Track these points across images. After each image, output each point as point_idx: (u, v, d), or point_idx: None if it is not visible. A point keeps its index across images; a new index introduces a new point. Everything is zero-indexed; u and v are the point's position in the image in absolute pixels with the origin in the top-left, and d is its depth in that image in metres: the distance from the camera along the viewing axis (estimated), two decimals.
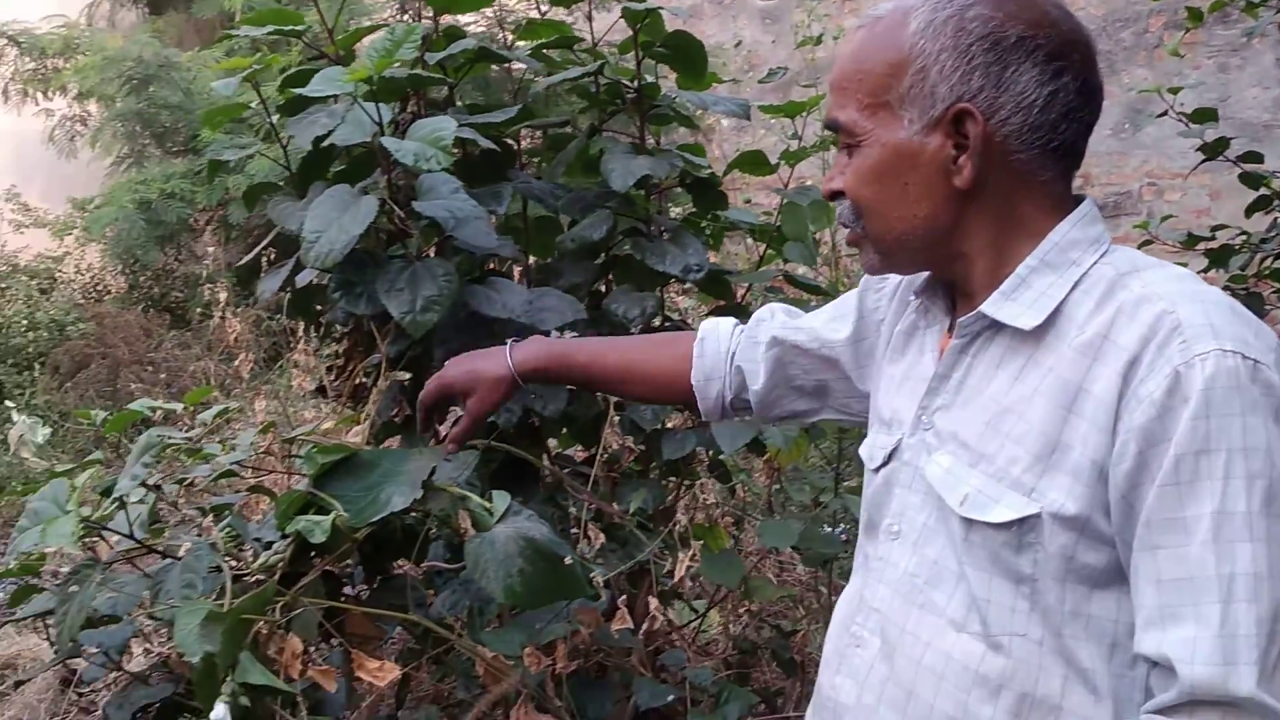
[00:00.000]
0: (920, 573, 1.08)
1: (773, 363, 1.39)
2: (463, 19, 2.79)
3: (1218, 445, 0.88)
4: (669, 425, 2.07)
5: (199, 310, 7.85)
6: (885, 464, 1.16)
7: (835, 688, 1.15)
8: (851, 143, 1.07)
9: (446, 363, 1.60)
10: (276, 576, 1.59)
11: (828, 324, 1.36)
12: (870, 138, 1.05)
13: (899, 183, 1.04)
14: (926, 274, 1.16)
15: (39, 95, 9.25)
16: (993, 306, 1.02)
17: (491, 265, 2.06)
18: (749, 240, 3.04)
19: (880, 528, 1.15)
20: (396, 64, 1.78)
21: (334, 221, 1.71)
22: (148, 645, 2.31)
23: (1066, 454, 0.96)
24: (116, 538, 1.69)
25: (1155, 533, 0.91)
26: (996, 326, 1.03)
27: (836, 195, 1.11)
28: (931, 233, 1.05)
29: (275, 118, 1.94)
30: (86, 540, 1.61)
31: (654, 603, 1.79)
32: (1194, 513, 0.89)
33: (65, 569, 1.75)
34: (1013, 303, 1.01)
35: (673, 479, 2.10)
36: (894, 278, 1.26)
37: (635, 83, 2.03)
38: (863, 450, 1.24)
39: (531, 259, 2.18)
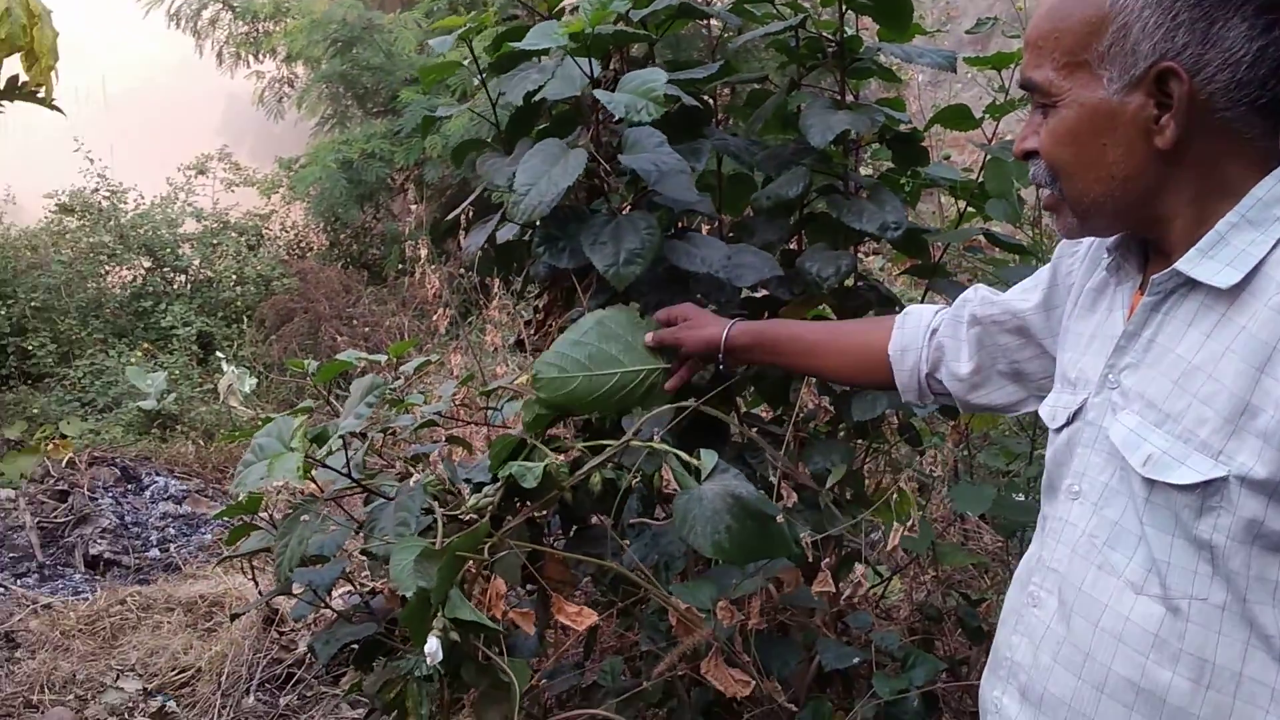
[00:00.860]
0: (1100, 533, 1.06)
1: (974, 343, 1.39)
2: None
3: None
4: None
5: (397, 267, 8.16)
6: (1068, 424, 1.15)
7: (1011, 646, 1.15)
8: (1047, 103, 1.05)
9: (685, 305, 1.76)
10: (487, 517, 1.64)
11: (1020, 295, 1.36)
12: (1067, 98, 1.03)
13: (1097, 144, 1.02)
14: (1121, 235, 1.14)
15: (250, 58, 9.77)
16: (1188, 264, 0.99)
17: (683, 223, 2.06)
18: (941, 199, 2.95)
19: (1060, 488, 1.14)
20: (609, 18, 1.79)
21: (544, 174, 1.75)
22: (350, 586, 2.43)
23: (1256, 416, 0.93)
24: (327, 481, 1.77)
25: None
26: (1191, 284, 1.00)
27: (1030, 155, 1.10)
28: (1130, 194, 1.03)
29: (482, 75, 1.98)
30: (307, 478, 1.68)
31: (860, 569, 1.76)
32: None
33: (278, 514, 1.82)
34: (1210, 260, 0.98)
35: (861, 441, 2.08)
36: (1088, 239, 1.23)
37: (837, 35, 1.99)
38: (1043, 410, 1.23)
39: (726, 216, 2.17)
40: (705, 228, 2.17)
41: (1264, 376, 0.93)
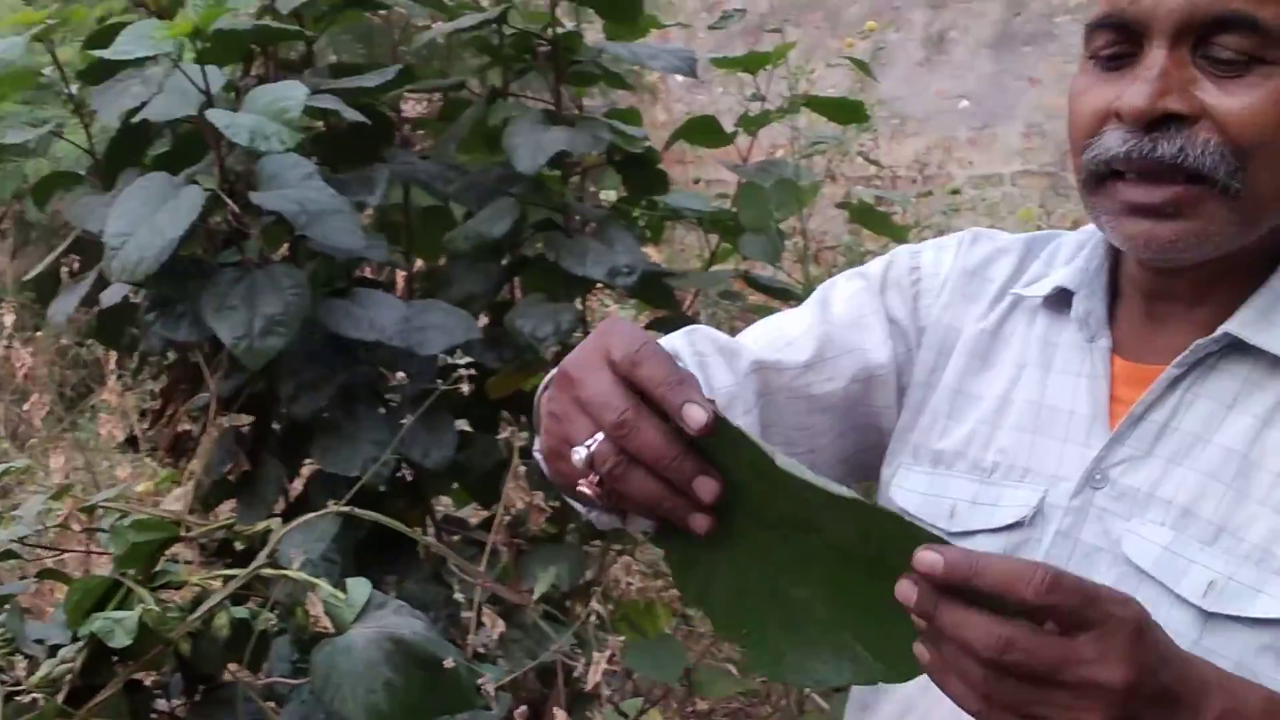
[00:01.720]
0: None
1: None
2: None
3: None
4: None
5: None
6: (1009, 528, 0.92)
7: None
8: (1257, 55, 0.79)
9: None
10: (63, 693, 1.38)
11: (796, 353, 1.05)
12: None
13: None
14: (1077, 263, 0.92)
15: None
16: (1249, 328, 0.82)
17: (362, 272, 1.87)
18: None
19: None
20: (232, 13, 1.56)
21: (145, 221, 1.50)
22: None
23: None
24: None
25: None
26: (1229, 351, 0.84)
27: (1170, 119, 0.81)
28: None
29: (75, 87, 1.70)
30: None
31: (560, 715, 1.45)
32: None
33: None
34: (1273, 325, 0.83)
35: (596, 544, 1.85)
36: (934, 263, 1.03)
37: (549, 31, 1.77)
38: (915, 502, 0.97)
39: (418, 263, 1.95)
40: (401, 276, 1.94)
41: None
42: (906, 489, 0.97)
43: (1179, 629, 0.78)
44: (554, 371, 0.74)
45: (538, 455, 0.86)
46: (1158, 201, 0.81)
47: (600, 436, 0.66)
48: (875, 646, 0.63)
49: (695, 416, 0.62)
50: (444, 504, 2.05)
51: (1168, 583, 0.82)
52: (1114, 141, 0.80)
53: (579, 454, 0.67)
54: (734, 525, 0.67)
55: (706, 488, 0.63)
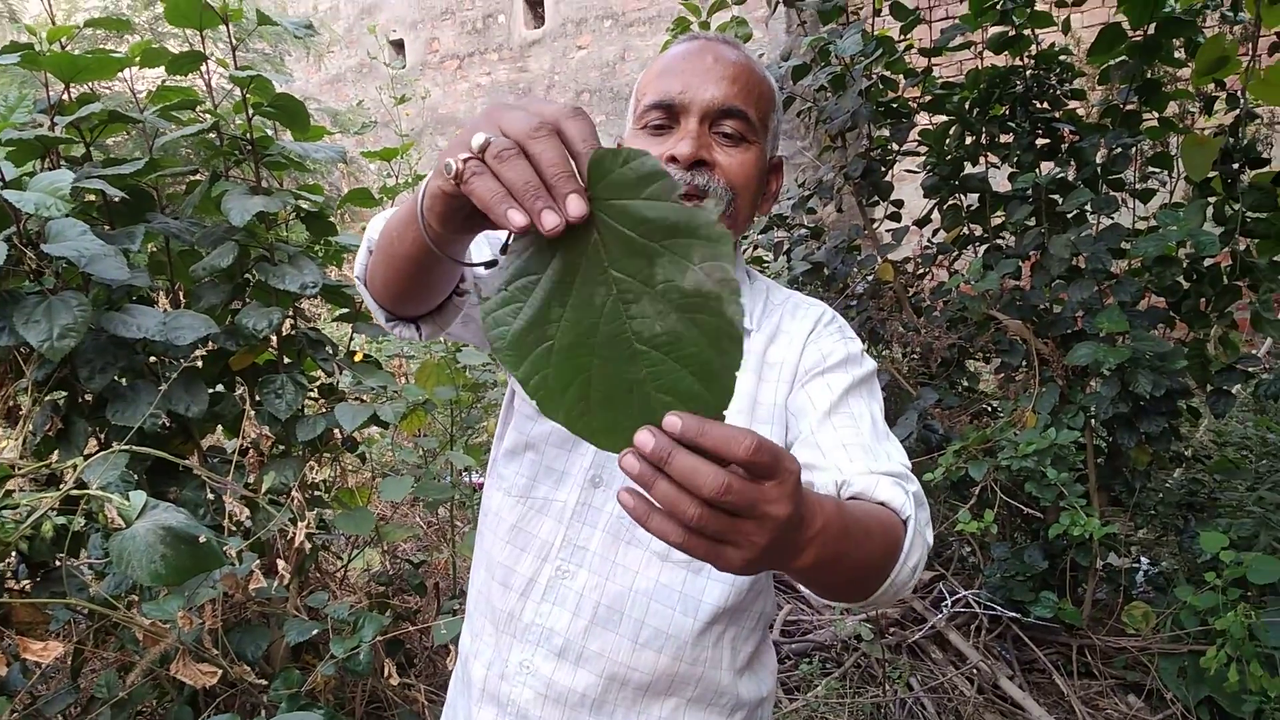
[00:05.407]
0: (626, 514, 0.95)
1: None
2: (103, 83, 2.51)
3: None
4: (304, 413, 1.97)
5: None
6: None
7: (543, 614, 0.99)
8: (745, 135, 0.98)
9: None
10: None
11: None
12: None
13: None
14: None
15: None
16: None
17: (143, 295, 1.89)
18: None
19: (571, 473, 1.01)
20: (16, 125, 1.65)
21: None
22: None
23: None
24: None
25: None
26: None
27: (700, 164, 0.95)
28: None
29: None
30: None
31: (281, 563, 1.69)
32: None
33: None
34: None
35: (322, 455, 1.97)
36: None
37: (248, 136, 1.91)
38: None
39: (181, 287, 2.02)
40: (163, 296, 2.01)
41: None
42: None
43: None
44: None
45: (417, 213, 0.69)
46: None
47: (503, 137, 0.56)
48: (610, 422, 0.55)
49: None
50: (217, 439, 2.14)
51: None
52: None
53: (476, 139, 0.57)
54: (567, 279, 0.55)
55: (576, 205, 0.53)
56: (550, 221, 0.53)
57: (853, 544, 0.70)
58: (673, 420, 0.52)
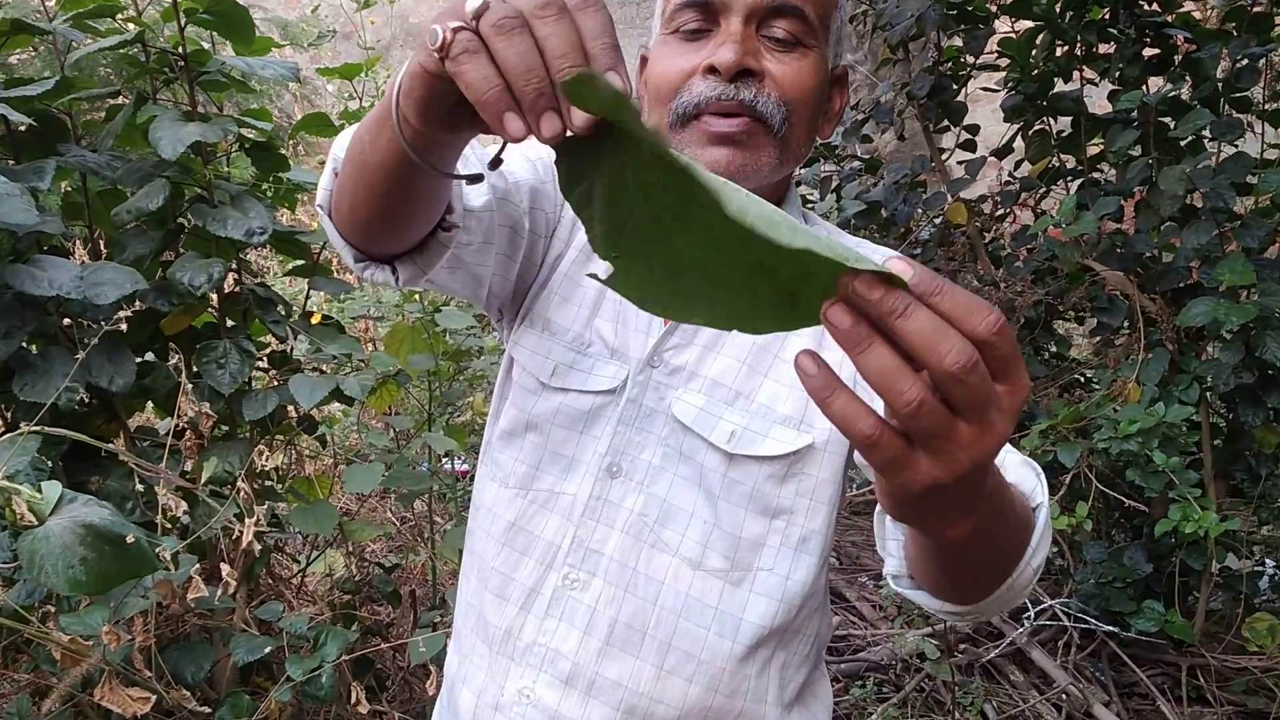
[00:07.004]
0: (650, 511, 0.95)
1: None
2: None
3: None
4: (252, 386, 1.95)
5: None
6: (599, 394, 0.98)
7: (547, 633, 0.97)
8: (801, 38, 0.94)
9: None
10: None
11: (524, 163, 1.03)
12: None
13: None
14: None
15: None
16: None
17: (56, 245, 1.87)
18: None
19: (583, 461, 0.98)
20: None
21: None
22: None
23: None
24: None
25: None
26: None
27: (746, 74, 0.91)
28: None
29: None
30: None
31: (225, 568, 1.68)
32: None
33: None
34: None
35: (274, 437, 1.97)
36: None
37: (180, 49, 1.87)
38: (539, 365, 1.01)
39: (101, 234, 1.98)
40: (79, 245, 1.98)
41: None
42: (520, 345, 1.02)
43: (713, 466, 0.93)
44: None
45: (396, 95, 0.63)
46: (734, 130, 0.90)
47: (505, 3, 0.51)
48: (733, 306, 0.50)
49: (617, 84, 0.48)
50: (149, 417, 2.11)
51: (703, 433, 0.93)
52: (704, 89, 0.89)
53: (472, 3, 0.51)
54: (623, 161, 0.49)
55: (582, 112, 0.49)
56: (550, 128, 0.49)
57: (1004, 522, 0.66)
58: (902, 266, 0.44)
